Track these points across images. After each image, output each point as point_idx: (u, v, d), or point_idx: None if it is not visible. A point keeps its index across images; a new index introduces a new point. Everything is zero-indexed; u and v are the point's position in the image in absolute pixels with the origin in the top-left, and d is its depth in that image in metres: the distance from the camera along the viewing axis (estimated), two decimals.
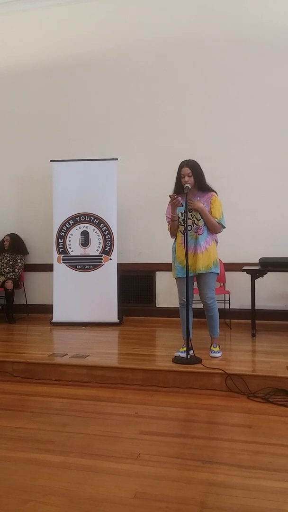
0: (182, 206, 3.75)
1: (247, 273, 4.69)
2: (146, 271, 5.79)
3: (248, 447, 2.52)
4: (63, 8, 5.97)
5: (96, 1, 5.84)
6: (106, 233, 5.49)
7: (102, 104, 5.91)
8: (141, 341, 4.61)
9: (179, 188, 3.80)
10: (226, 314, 5.06)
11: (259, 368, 3.58)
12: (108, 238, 5.48)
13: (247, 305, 4.87)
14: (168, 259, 4.08)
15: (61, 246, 5.56)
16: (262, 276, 4.80)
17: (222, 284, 5.23)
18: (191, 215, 3.79)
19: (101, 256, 5.48)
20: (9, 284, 5.64)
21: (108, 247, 5.48)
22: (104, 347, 4.44)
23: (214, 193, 3.84)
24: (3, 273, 5.86)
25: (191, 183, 3.74)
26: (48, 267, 5.68)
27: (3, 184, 6.27)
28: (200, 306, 3.96)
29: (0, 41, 6.24)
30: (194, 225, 3.81)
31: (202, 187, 3.82)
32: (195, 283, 3.95)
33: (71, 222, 5.55)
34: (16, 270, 5.86)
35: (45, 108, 6.09)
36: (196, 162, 3.81)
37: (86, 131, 5.96)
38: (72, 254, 5.55)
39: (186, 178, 3.74)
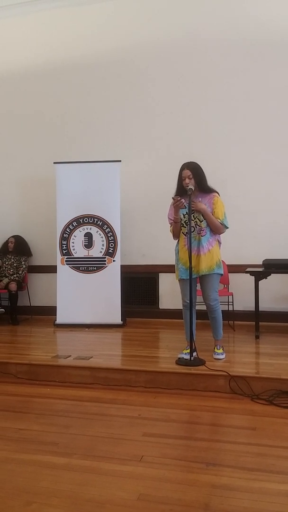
0: (185, 207, 3.75)
1: (250, 274, 4.68)
2: (149, 273, 5.79)
3: (252, 450, 2.51)
4: (65, 10, 5.99)
5: (98, 3, 5.86)
6: (109, 235, 5.49)
7: (104, 106, 5.92)
8: (144, 343, 4.61)
9: (181, 191, 3.80)
10: (230, 315, 5.05)
11: (262, 370, 3.57)
12: (112, 240, 5.48)
13: (250, 306, 4.86)
14: (171, 261, 4.08)
15: (64, 247, 5.57)
16: (266, 278, 4.79)
17: (225, 286, 5.22)
18: (193, 216, 3.79)
19: (105, 257, 5.49)
20: (13, 286, 5.66)
21: (112, 249, 5.48)
22: (108, 349, 4.44)
23: (216, 194, 3.84)
24: (7, 274, 5.88)
25: (192, 185, 3.74)
26: (52, 269, 5.69)
27: (7, 186, 6.30)
28: (204, 307, 3.96)
29: (2, 44, 6.27)
30: (197, 226, 3.81)
31: (203, 188, 3.82)
32: (198, 284, 3.95)
33: (74, 223, 5.56)
34: (20, 272, 5.87)
35: (48, 110, 6.11)
36: (196, 163, 3.81)
37: (88, 133, 5.97)
38: (75, 255, 5.55)
39: (187, 181, 3.74)
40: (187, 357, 3.75)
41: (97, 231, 5.53)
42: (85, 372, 3.73)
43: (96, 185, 5.49)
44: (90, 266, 5.51)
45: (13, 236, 6.02)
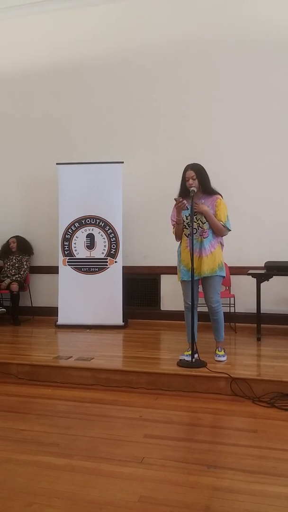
0: (188, 209, 3.75)
1: (252, 276, 4.68)
2: (151, 274, 5.79)
3: (253, 452, 2.51)
4: (69, 12, 6.00)
5: (102, 5, 5.87)
6: (111, 236, 5.49)
7: (107, 107, 5.92)
8: (145, 344, 4.60)
9: (184, 192, 3.80)
10: (231, 317, 5.05)
11: (264, 373, 3.56)
12: (114, 241, 5.48)
13: (252, 309, 4.85)
14: (173, 262, 4.08)
15: (66, 248, 5.57)
16: (268, 280, 4.79)
17: (227, 288, 5.22)
18: (196, 218, 3.79)
19: (106, 259, 5.49)
20: (15, 286, 5.66)
21: (113, 250, 5.48)
22: (109, 350, 4.45)
23: (219, 196, 3.84)
24: (8, 275, 5.88)
25: (195, 186, 3.74)
26: (54, 270, 5.69)
27: (9, 187, 6.30)
28: (205, 309, 3.95)
29: (7, 45, 6.29)
30: (199, 228, 3.81)
31: (207, 190, 3.82)
32: (200, 286, 3.95)
33: (76, 224, 5.57)
34: (22, 272, 5.88)
35: (51, 111, 6.12)
36: (200, 165, 3.82)
37: (91, 134, 5.98)
38: (77, 256, 5.56)
39: (191, 181, 3.75)
40: (189, 358, 3.75)
41: (99, 232, 5.53)
42: (86, 373, 3.72)
43: (98, 186, 5.49)
44: (92, 267, 5.51)
45: (14, 237, 6.02)
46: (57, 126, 6.10)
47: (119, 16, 5.84)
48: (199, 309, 4.02)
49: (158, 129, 5.75)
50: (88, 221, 5.56)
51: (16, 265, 5.93)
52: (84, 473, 2.29)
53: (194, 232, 3.76)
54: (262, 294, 4.70)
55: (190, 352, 3.78)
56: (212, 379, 3.46)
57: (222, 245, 3.90)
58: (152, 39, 5.71)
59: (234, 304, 5.11)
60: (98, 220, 5.53)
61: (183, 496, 2.07)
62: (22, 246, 5.98)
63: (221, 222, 3.77)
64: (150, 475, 2.26)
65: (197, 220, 3.80)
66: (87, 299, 5.43)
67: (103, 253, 5.50)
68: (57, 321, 5.49)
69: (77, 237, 5.56)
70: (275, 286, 5.07)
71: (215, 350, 3.94)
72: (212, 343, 4.03)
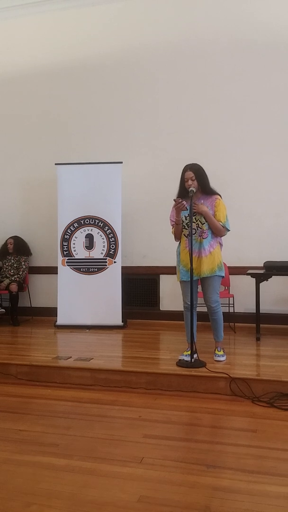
0: (187, 209, 3.75)
1: (251, 276, 4.68)
2: (150, 274, 5.79)
3: (253, 452, 2.51)
4: (69, 12, 6.00)
5: (102, 5, 5.87)
6: (110, 236, 5.49)
7: (106, 107, 5.92)
8: (145, 344, 4.60)
9: (183, 192, 3.80)
10: (231, 317, 5.05)
11: (263, 372, 3.56)
12: (113, 241, 5.48)
13: (251, 308, 4.86)
14: (173, 263, 4.08)
15: (65, 249, 5.57)
16: (267, 280, 4.79)
17: (226, 288, 5.22)
18: (195, 218, 3.79)
19: (106, 259, 5.49)
20: (14, 287, 5.66)
21: (113, 250, 5.48)
22: (108, 350, 4.44)
23: (218, 196, 3.84)
24: (7, 275, 5.88)
25: (194, 186, 3.74)
26: (53, 270, 5.69)
27: (8, 187, 6.30)
28: (204, 309, 3.95)
29: (6, 45, 6.28)
30: (199, 228, 3.81)
31: (206, 190, 3.82)
32: (200, 286, 3.95)
33: (75, 225, 5.57)
34: (21, 273, 5.87)
35: (50, 111, 6.12)
36: (199, 165, 3.82)
37: (90, 134, 5.98)
38: (76, 257, 5.55)
39: (190, 182, 3.75)
40: (188, 359, 3.75)
41: (98, 232, 5.53)
42: (86, 373, 3.72)
43: (97, 187, 5.49)
44: (91, 268, 5.51)
45: (11, 237, 6.02)
46: (57, 126, 6.10)
47: (118, 16, 5.84)
48: (198, 309, 4.02)
49: (158, 129, 5.75)
50: (87, 221, 5.55)
51: (15, 265, 5.92)
52: (83, 473, 2.29)
53: (194, 232, 3.76)
54: (261, 294, 4.70)
55: (189, 352, 3.78)
56: (211, 379, 3.46)
57: (221, 245, 3.90)
58: (152, 39, 5.72)
59: (233, 304, 5.11)
60: (97, 221, 5.53)
61: (183, 496, 2.07)
62: (19, 247, 5.97)
63: (220, 223, 3.77)
64: (149, 475, 2.26)
65: (196, 221, 3.80)
66: (86, 300, 5.42)
67: (102, 253, 5.50)
68: (56, 321, 5.49)
69: (76, 238, 5.56)
70: (274, 286, 5.07)
71: (215, 350, 3.94)
72: (212, 343, 4.03)
